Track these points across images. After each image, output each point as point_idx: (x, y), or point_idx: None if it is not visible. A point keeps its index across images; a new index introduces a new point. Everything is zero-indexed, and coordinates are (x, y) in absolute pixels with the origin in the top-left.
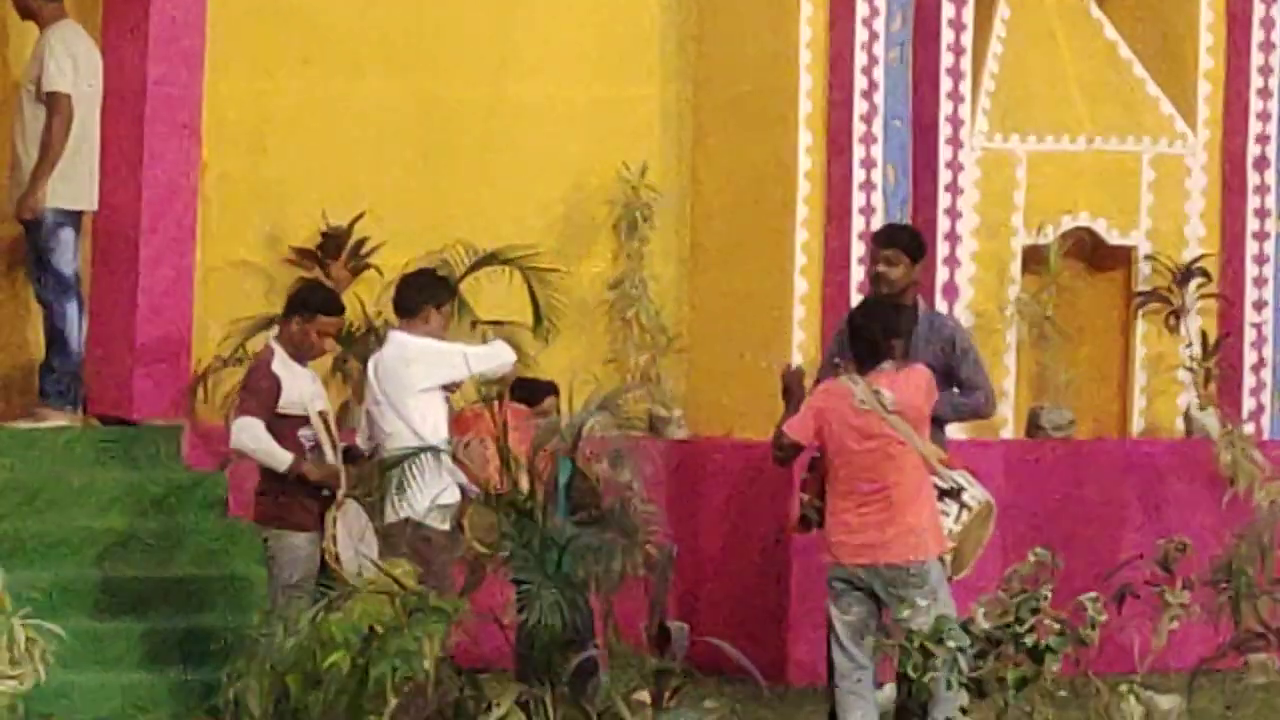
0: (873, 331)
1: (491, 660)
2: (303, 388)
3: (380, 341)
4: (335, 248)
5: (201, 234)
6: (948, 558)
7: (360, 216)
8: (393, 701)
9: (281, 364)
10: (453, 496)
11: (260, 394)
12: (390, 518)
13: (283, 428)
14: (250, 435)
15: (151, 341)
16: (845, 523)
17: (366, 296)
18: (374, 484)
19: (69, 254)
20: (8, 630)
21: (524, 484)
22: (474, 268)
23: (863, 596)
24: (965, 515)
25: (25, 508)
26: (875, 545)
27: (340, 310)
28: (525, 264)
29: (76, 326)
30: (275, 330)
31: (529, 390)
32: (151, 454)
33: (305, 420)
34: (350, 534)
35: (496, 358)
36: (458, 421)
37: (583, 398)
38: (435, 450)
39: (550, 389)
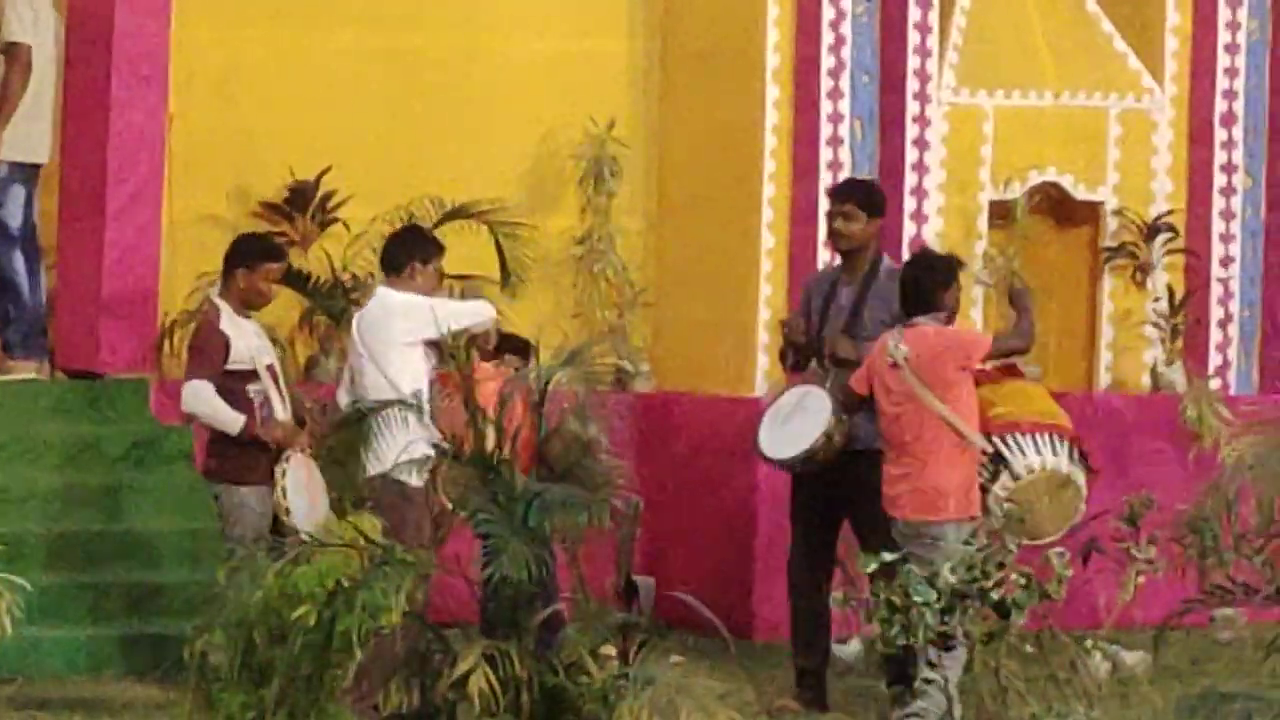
0: (909, 283)
1: (458, 615)
2: (250, 343)
3: (347, 296)
4: (302, 202)
5: (168, 187)
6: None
7: (327, 170)
8: (359, 655)
9: (228, 321)
10: (423, 450)
11: (209, 354)
12: (364, 472)
13: (232, 384)
14: (201, 399)
15: (118, 294)
16: (886, 473)
17: (334, 251)
18: (344, 438)
19: (17, 207)
20: None
21: (490, 439)
22: (441, 222)
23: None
24: (1009, 481)
25: None
26: (897, 499)
27: (284, 255)
28: (492, 218)
29: (26, 277)
30: (216, 287)
31: (501, 345)
32: (118, 407)
33: (254, 375)
34: (301, 487)
35: (477, 314)
36: (443, 379)
37: (550, 352)
38: (405, 404)
39: (521, 346)
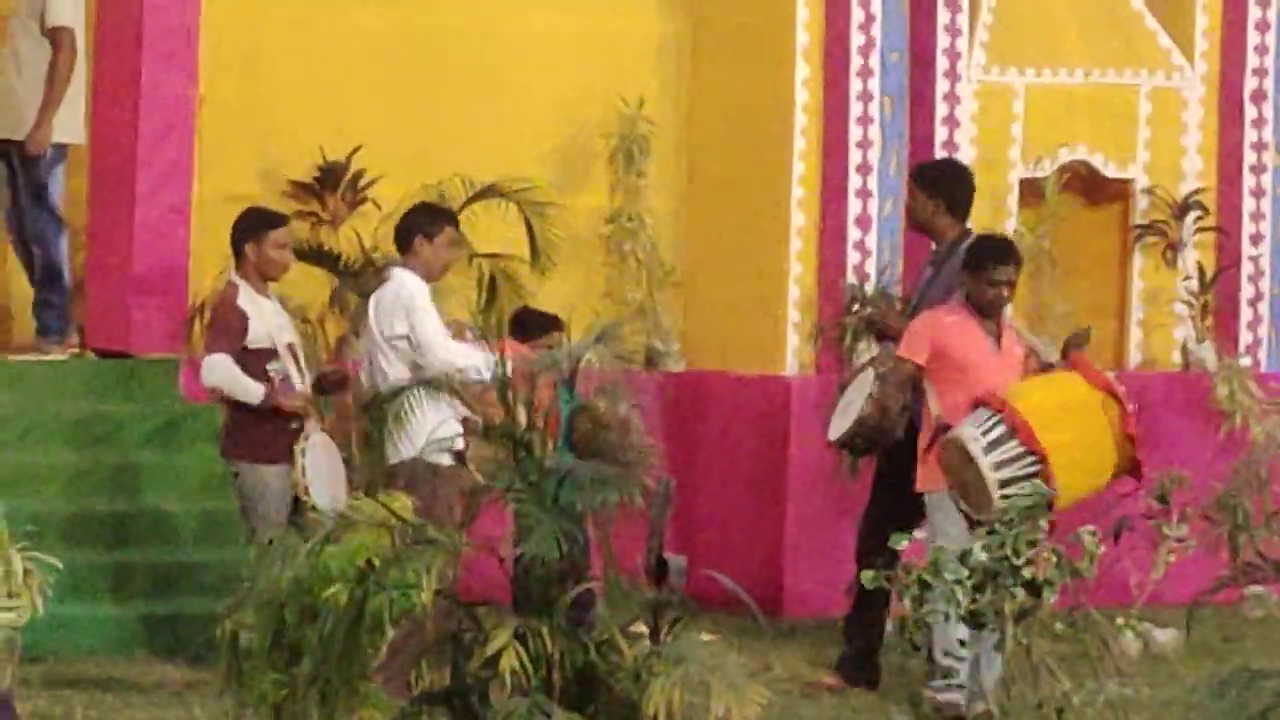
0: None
1: (489, 594)
2: (269, 320)
3: (377, 275)
4: (332, 181)
5: (198, 167)
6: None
7: (357, 150)
8: (390, 634)
9: (247, 298)
10: (452, 430)
11: (228, 330)
12: (392, 458)
13: (251, 362)
14: (220, 371)
15: (148, 274)
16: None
17: (364, 230)
18: (368, 421)
19: (60, 188)
20: (5, 562)
21: (521, 416)
22: (471, 200)
23: None
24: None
25: (21, 441)
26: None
27: (284, 219)
28: (522, 197)
29: (68, 261)
30: (232, 267)
31: (531, 323)
32: (148, 387)
33: (274, 353)
34: (320, 467)
35: (471, 359)
36: None
37: (580, 331)
38: (431, 384)
39: (553, 323)
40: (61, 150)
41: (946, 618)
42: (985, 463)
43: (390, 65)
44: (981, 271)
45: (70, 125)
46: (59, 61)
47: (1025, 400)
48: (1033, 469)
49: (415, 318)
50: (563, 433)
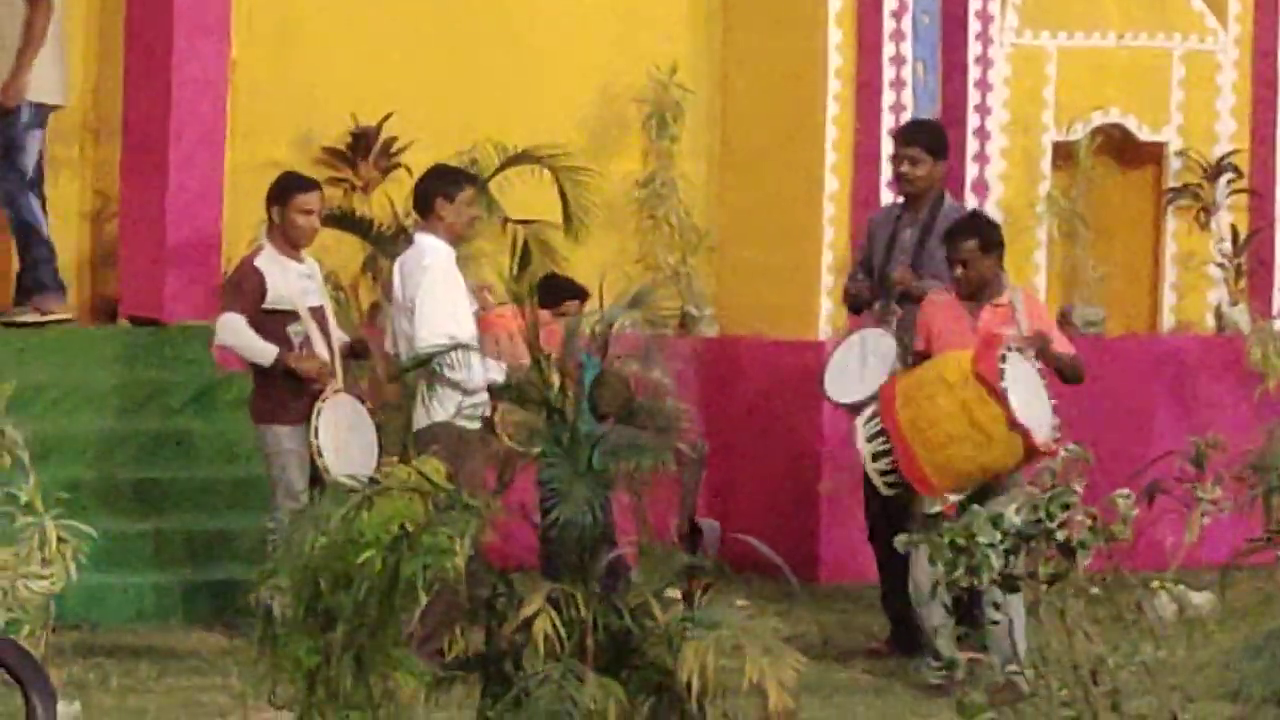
0: None
1: (523, 560)
2: (291, 283)
3: (410, 242)
4: (365, 147)
5: (230, 134)
6: None
7: (389, 116)
8: (423, 599)
9: (269, 259)
10: (481, 396)
11: (242, 290)
12: (421, 421)
13: (270, 324)
14: (231, 330)
15: (182, 242)
16: None
17: (396, 196)
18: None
19: (36, 148)
20: (40, 530)
21: (554, 381)
22: (503, 166)
23: None
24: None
25: (55, 409)
26: None
27: (312, 185)
28: (555, 163)
29: (43, 219)
30: (264, 231)
31: (552, 291)
32: (181, 355)
33: (295, 316)
34: (335, 430)
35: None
36: (482, 323)
37: (613, 297)
38: (462, 348)
39: (576, 292)
40: (42, 113)
41: (933, 596)
42: (861, 435)
43: (422, 31)
44: (948, 250)
45: (50, 85)
46: (34, 19)
47: (908, 378)
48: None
49: (423, 292)
50: (586, 399)
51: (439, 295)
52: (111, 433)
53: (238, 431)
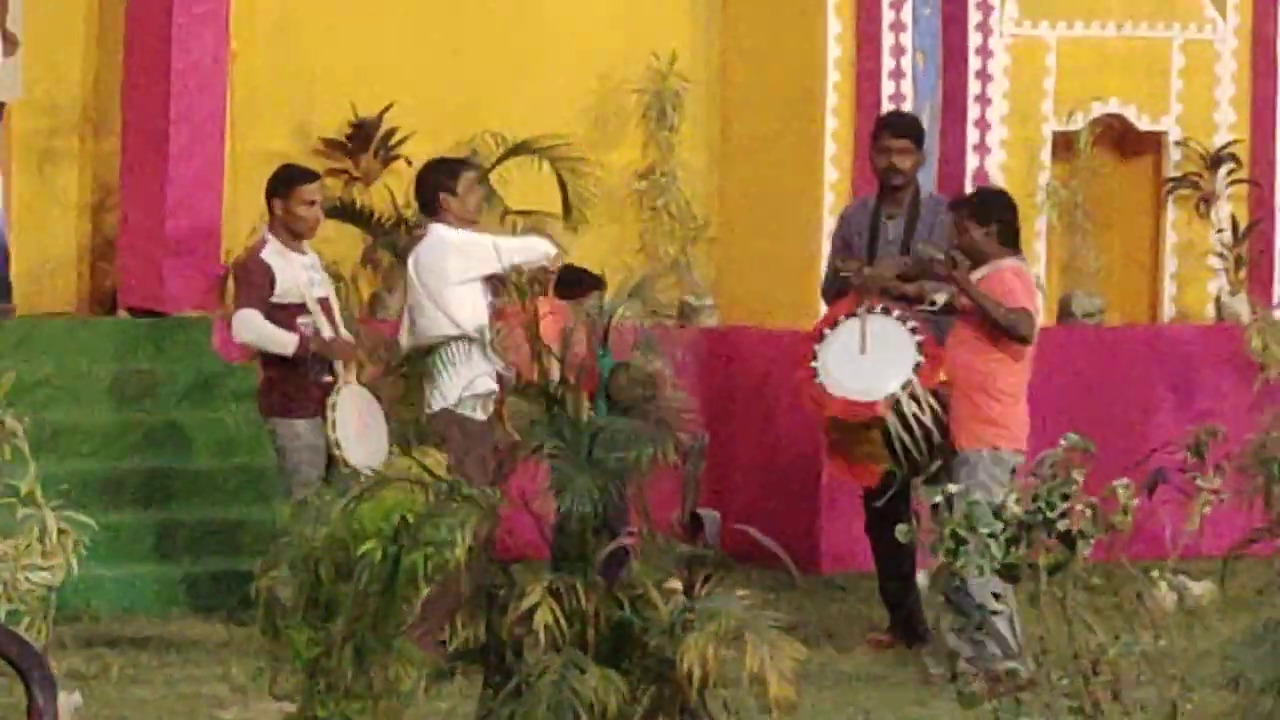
0: None
1: (524, 551)
2: (297, 275)
3: (410, 233)
4: (365, 138)
5: (230, 125)
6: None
7: (389, 107)
8: (425, 590)
9: (274, 252)
10: (487, 385)
11: (252, 284)
12: (428, 409)
13: (280, 317)
14: (249, 326)
15: (181, 233)
16: None
17: (396, 187)
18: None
19: None
20: (40, 521)
21: (555, 372)
22: (503, 158)
23: None
24: None
25: (56, 400)
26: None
27: (313, 177)
28: (555, 154)
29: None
30: (265, 223)
31: (574, 281)
32: (182, 345)
33: (303, 308)
34: (352, 421)
35: (532, 250)
36: (501, 315)
37: (614, 287)
38: (468, 339)
39: (596, 282)
40: None
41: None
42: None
43: (422, 22)
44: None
45: (2, 80)
46: None
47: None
48: None
49: (491, 246)
50: (601, 390)
51: (460, 291)
52: (111, 424)
53: (238, 422)
